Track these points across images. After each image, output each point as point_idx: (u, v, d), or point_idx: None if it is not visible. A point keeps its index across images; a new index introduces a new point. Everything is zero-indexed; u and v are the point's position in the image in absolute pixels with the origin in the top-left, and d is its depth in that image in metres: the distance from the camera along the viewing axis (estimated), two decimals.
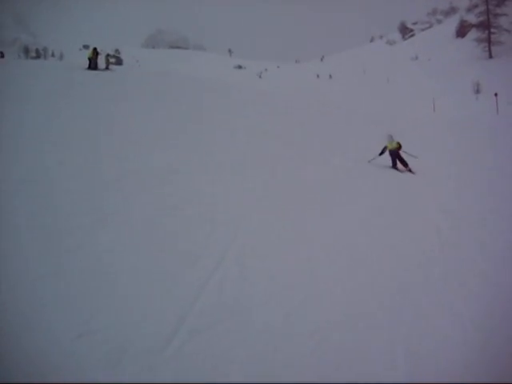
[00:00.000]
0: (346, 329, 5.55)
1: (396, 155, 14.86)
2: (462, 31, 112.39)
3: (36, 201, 8.32)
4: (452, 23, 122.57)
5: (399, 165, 14.82)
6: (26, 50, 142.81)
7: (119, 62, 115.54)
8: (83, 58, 31.12)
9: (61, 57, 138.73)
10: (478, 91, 68.66)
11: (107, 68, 30.89)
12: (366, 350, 5.18)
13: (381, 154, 15.13)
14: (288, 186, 11.24)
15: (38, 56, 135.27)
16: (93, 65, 28.95)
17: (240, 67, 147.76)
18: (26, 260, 6.28)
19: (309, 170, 13.15)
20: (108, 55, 34.36)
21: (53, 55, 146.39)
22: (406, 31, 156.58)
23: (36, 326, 5.03)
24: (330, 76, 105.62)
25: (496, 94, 46.03)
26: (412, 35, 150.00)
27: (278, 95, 35.81)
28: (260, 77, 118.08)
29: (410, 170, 14.47)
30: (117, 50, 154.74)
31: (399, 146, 14.76)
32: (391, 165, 14.93)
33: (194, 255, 6.98)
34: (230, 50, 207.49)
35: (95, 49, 29.91)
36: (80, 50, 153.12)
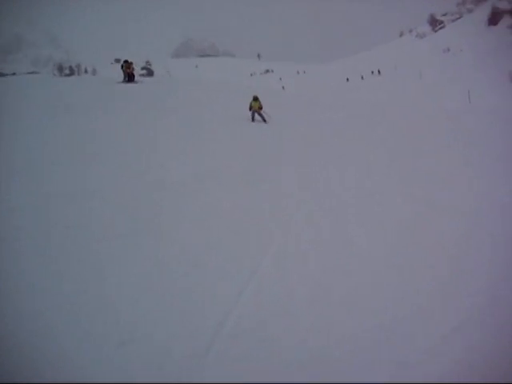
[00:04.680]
0: None
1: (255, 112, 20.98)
2: (494, 19, 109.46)
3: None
4: (483, 11, 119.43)
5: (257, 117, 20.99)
6: (60, 68, 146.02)
7: (150, 73, 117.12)
8: (115, 72, 31.25)
9: (93, 72, 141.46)
10: None
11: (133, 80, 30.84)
12: None
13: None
14: None
15: (71, 73, 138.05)
16: (127, 77, 29.14)
17: (267, 71, 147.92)
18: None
19: None
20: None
21: (86, 71, 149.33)
22: (435, 23, 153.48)
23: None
24: (362, 77, 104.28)
25: None
26: (442, 27, 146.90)
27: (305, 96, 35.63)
28: (300, 72, 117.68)
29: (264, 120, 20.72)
30: (147, 62, 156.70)
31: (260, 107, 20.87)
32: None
33: None
34: (258, 55, 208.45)
35: (126, 61, 30.06)
36: (112, 63, 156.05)
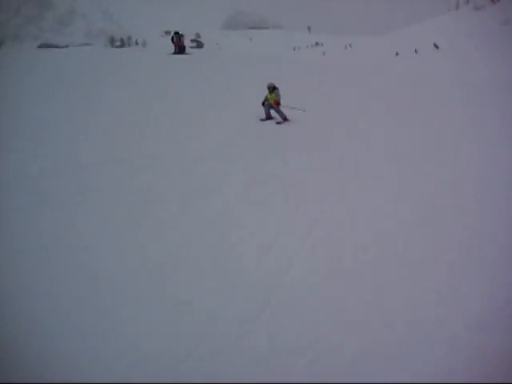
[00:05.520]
0: None
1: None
2: None
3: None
4: None
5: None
6: (112, 40, 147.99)
7: (200, 45, 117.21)
8: (165, 44, 31.29)
9: (144, 44, 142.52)
10: None
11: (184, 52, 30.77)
12: None
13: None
14: None
15: (122, 45, 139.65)
16: (177, 49, 29.14)
17: (317, 44, 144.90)
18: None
19: None
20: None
21: (136, 43, 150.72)
22: None
23: None
24: (416, 51, 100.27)
25: None
26: None
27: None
28: (346, 48, 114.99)
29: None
30: (197, 34, 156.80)
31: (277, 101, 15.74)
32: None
33: None
34: (308, 28, 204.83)
35: (177, 33, 30.02)
36: (162, 36, 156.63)
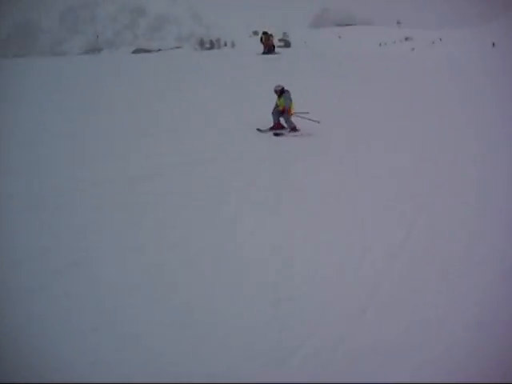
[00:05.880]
0: None
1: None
2: None
3: None
4: None
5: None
6: (201, 42, 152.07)
7: (287, 44, 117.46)
8: (253, 44, 31.37)
9: (232, 45, 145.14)
10: None
11: (273, 51, 30.53)
12: None
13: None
14: None
15: (211, 47, 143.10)
16: (266, 49, 29.03)
17: (407, 39, 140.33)
18: None
19: None
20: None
21: (225, 44, 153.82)
22: None
23: None
24: None
25: None
26: None
27: None
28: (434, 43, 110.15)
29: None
30: (285, 33, 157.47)
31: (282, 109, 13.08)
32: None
33: None
34: (398, 22, 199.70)
35: (265, 33, 29.90)
36: (250, 36, 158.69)
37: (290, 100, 12.95)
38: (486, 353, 4.97)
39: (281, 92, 12.99)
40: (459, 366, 4.78)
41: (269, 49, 29.02)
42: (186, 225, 7.68)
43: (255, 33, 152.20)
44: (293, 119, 13.01)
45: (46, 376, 4.52)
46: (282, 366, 4.74)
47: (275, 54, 29.16)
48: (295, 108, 13.12)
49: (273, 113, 13.18)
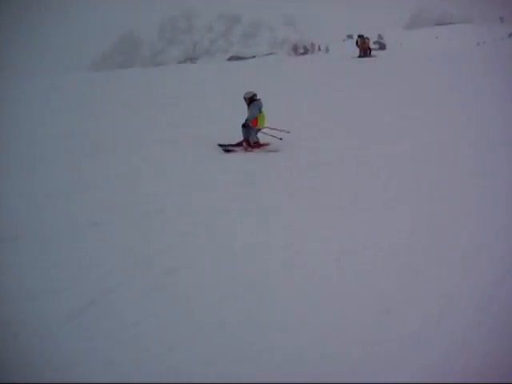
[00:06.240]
0: None
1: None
2: None
3: None
4: None
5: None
6: (295, 48, 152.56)
7: (382, 46, 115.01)
8: (347, 48, 31.20)
9: (326, 50, 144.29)
10: None
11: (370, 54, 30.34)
12: None
13: None
14: None
15: (305, 52, 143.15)
16: (362, 52, 28.99)
17: (510, 36, 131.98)
18: None
19: None
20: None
21: (319, 49, 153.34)
22: None
23: None
24: None
25: None
26: None
27: None
28: None
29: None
30: (379, 36, 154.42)
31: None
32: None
33: None
34: (501, 18, 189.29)
35: (361, 36, 29.85)
36: (344, 40, 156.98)
37: (259, 111, 11.34)
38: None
39: (250, 100, 11.40)
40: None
41: (365, 52, 29.04)
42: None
43: (349, 36, 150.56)
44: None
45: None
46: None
47: (371, 57, 29.09)
48: (267, 122, 11.53)
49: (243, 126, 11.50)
